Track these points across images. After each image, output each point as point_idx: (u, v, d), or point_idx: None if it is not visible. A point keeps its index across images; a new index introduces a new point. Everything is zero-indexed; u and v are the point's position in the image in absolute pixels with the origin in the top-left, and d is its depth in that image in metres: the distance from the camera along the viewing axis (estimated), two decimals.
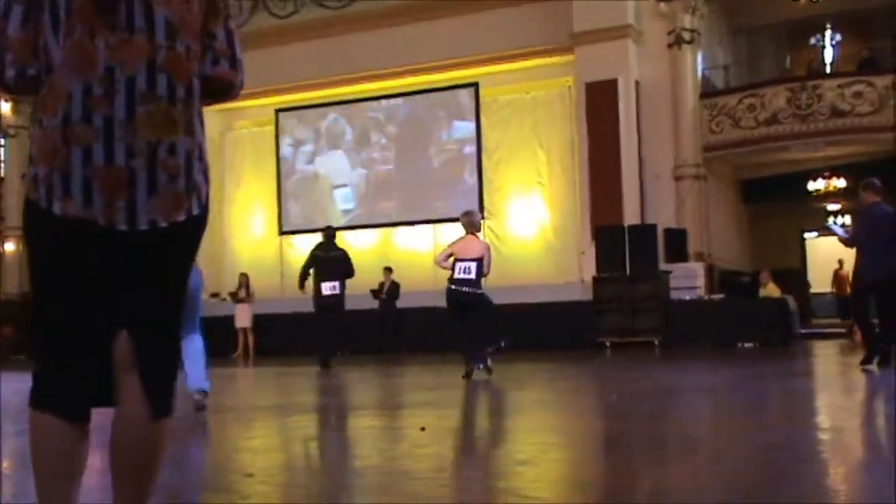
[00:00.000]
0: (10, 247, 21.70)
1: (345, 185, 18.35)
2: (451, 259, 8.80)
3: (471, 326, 8.80)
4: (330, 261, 11.35)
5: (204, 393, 6.28)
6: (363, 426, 6.01)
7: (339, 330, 11.51)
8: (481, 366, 8.75)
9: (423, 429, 5.11)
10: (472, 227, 8.96)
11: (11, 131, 22.69)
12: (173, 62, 1.99)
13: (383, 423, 6.15)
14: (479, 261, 8.67)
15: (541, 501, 3.14)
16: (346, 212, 18.19)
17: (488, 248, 9.02)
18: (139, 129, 1.94)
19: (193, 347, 6.21)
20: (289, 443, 5.29)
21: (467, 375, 8.60)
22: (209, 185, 2.12)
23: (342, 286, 11.29)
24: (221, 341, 14.12)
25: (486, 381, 8.56)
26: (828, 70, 17.42)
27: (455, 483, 3.69)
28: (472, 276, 8.66)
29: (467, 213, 9.21)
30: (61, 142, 1.91)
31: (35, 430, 2.02)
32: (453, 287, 8.75)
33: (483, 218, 16.70)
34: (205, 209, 2.09)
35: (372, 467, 4.10)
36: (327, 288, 11.25)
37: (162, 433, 2.06)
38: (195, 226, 2.07)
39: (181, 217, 2.02)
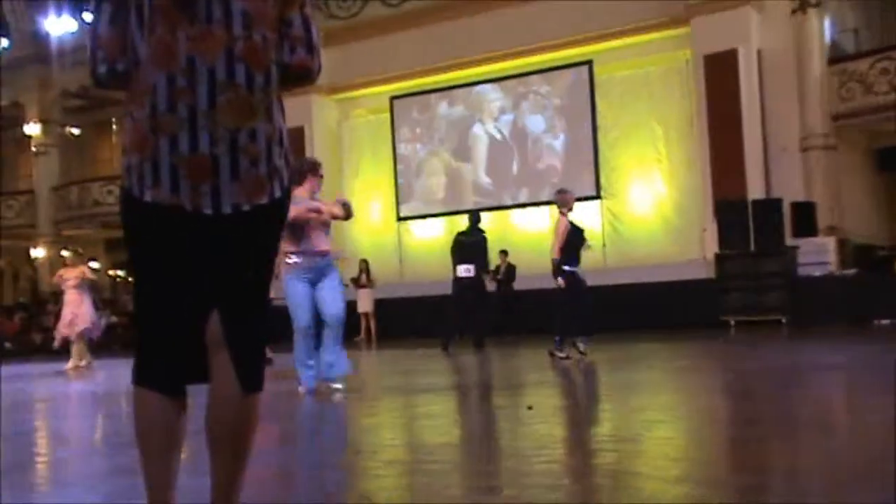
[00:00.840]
0: (41, 252, 24.29)
1: (460, 170, 18.44)
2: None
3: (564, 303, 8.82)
4: (469, 245, 11.83)
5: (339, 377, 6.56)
6: (473, 405, 6.07)
7: (479, 311, 11.83)
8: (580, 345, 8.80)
9: (530, 407, 5.13)
10: (560, 205, 8.98)
11: (41, 149, 24.75)
12: (251, 51, 2.07)
13: (496, 402, 6.20)
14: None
15: (629, 476, 3.11)
16: (462, 196, 18.28)
17: (562, 225, 8.83)
18: (220, 116, 2.03)
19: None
20: (402, 421, 5.40)
21: (582, 353, 8.73)
22: (290, 169, 2.20)
23: (477, 269, 11.72)
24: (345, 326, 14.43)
25: (599, 361, 8.50)
26: None
27: (553, 461, 3.68)
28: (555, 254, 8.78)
29: (557, 192, 9.37)
30: (150, 132, 2.02)
31: (137, 404, 2.15)
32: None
33: (600, 197, 16.58)
34: (286, 192, 2.17)
35: (472, 443, 4.15)
36: (462, 270, 11.74)
37: (253, 408, 2.16)
38: (277, 208, 2.16)
39: (263, 200, 2.10)
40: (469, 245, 11.85)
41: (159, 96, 2.01)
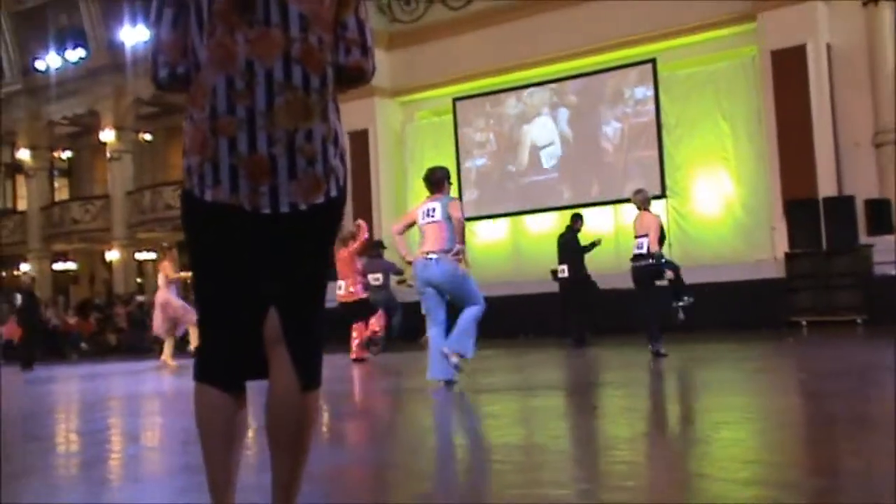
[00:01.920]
0: (116, 254, 25.07)
1: (522, 171, 18.39)
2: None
3: (652, 302, 8.99)
4: (562, 245, 12.49)
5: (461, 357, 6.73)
6: (535, 405, 6.05)
7: (581, 308, 12.33)
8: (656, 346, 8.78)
9: (595, 408, 5.10)
10: (643, 203, 9.31)
11: (116, 155, 25.45)
12: (307, 53, 2.11)
13: (558, 401, 6.16)
14: (647, 236, 8.99)
15: (696, 478, 3.06)
16: (524, 197, 18.22)
17: (656, 221, 9.21)
18: (278, 117, 2.07)
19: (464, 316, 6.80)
20: (452, 420, 5.42)
21: (657, 354, 8.71)
22: (346, 168, 2.23)
23: (571, 268, 12.25)
24: (410, 327, 14.57)
25: (669, 361, 8.40)
26: None
27: (620, 461, 3.65)
28: (644, 250, 8.97)
29: (636, 192, 9.63)
30: (209, 133, 2.08)
31: (198, 400, 2.21)
32: (633, 264, 9.12)
33: (665, 196, 16.34)
34: (342, 191, 2.21)
35: (527, 444, 4.13)
36: (559, 270, 12.44)
37: (312, 404, 2.20)
38: (334, 207, 2.19)
39: (320, 199, 2.14)
40: (561, 245, 12.51)
41: (219, 98, 2.06)
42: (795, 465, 3.37)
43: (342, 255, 11.31)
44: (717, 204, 16.38)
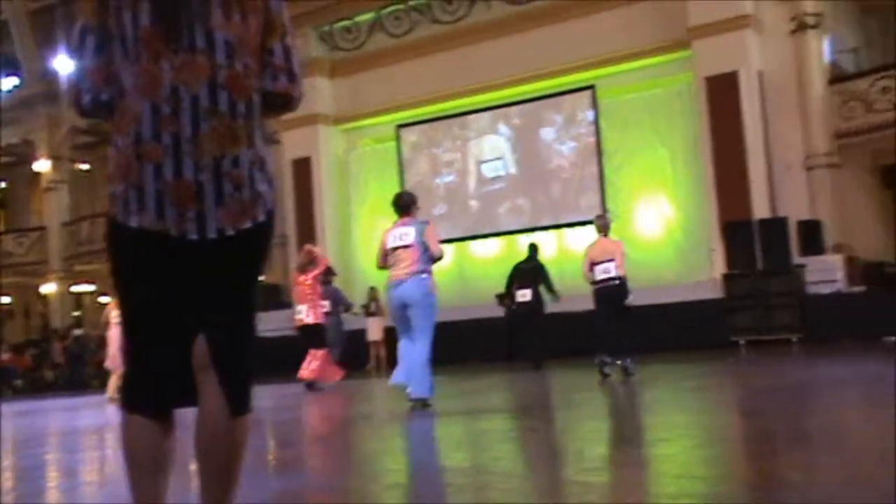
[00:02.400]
0: (52, 287, 24.76)
1: (465, 197, 18.51)
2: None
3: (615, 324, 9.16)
4: (526, 271, 12.62)
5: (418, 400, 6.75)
6: (472, 428, 6.06)
7: (539, 333, 12.43)
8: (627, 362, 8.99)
9: (534, 429, 5.13)
10: (605, 229, 9.58)
11: (51, 185, 25.21)
12: (233, 79, 2.12)
13: (490, 425, 6.19)
14: (614, 260, 9.26)
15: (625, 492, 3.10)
16: (469, 222, 18.33)
17: (621, 245, 9.57)
18: (204, 144, 2.08)
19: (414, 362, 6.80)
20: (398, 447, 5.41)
21: (626, 370, 8.96)
22: (274, 193, 2.24)
23: (534, 293, 12.36)
24: (355, 354, 14.49)
25: (611, 381, 8.51)
26: None
27: (528, 482, 3.68)
28: (612, 273, 9.24)
29: (599, 217, 9.97)
30: (134, 159, 2.07)
31: (125, 429, 2.18)
32: (602, 286, 9.33)
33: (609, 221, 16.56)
34: (270, 216, 2.21)
35: (453, 467, 4.15)
36: (519, 295, 12.56)
37: (241, 430, 2.18)
38: (262, 232, 2.19)
39: (247, 224, 2.14)
40: (524, 271, 12.73)
41: (144, 125, 2.06)
42: (726, 480, 3.44)
43: (301, 280, 11.42)
44: (658, 227, 16.68)
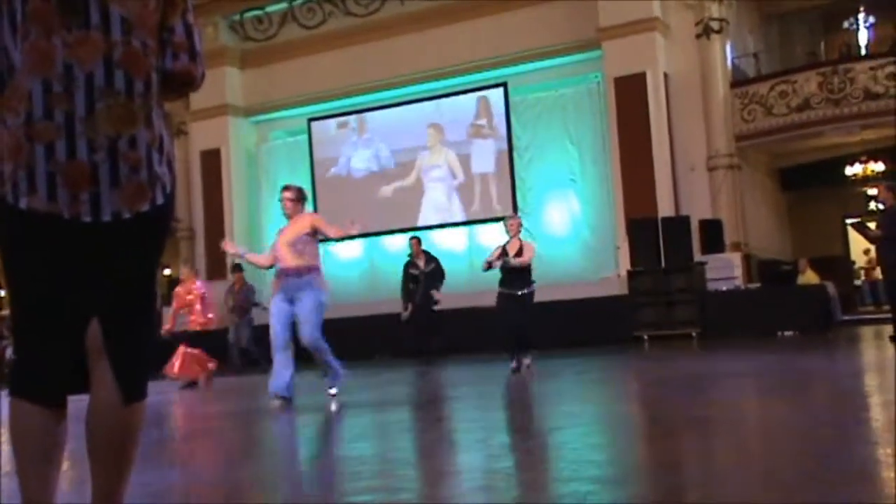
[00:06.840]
0: None
1: (378, 192, 18.46)
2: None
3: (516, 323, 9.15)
4: (427, 273, 13.44)
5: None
6: (373, 421, 6.07)
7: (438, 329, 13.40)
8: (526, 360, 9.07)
9: (440, 420, 5.18)
10: (515, 230, 9.47)
11: None
12: (130, 57, 2.07)
13: (390, 417, 6.21)
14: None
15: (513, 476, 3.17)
16: (381, 218, 18.27)
17: (534, 247, 9.63)
18: (99, 123, 2.02)
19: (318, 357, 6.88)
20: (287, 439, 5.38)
21: (528, 366, 9.02)
22: (174, 175, 2.20)
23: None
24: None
25: (515, 375, 8.64)
26: (863, 53, 17.10)
27: (422, 474, 3.72)
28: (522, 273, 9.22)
29: (509, 217, 9.83)
30: (25, 139, 2.00)
31: (13, 416, 2.11)
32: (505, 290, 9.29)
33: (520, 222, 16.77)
34: (170, 198, 2.17)
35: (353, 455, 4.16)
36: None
37: (134, 417, 2.14)
38: (160, 215, 2.15)
39: (145, 207, 2.10)
40: (425, 273, 13.42)
41: (35, 103, 2.00)
42: (615, 463, 3.54)
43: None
44: (566, 224, 16.95)
